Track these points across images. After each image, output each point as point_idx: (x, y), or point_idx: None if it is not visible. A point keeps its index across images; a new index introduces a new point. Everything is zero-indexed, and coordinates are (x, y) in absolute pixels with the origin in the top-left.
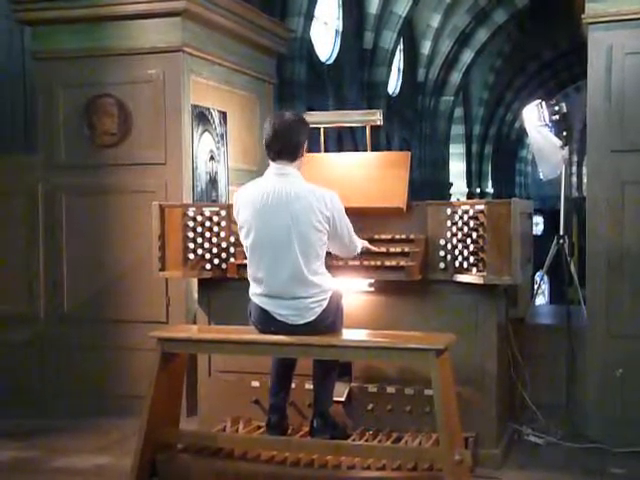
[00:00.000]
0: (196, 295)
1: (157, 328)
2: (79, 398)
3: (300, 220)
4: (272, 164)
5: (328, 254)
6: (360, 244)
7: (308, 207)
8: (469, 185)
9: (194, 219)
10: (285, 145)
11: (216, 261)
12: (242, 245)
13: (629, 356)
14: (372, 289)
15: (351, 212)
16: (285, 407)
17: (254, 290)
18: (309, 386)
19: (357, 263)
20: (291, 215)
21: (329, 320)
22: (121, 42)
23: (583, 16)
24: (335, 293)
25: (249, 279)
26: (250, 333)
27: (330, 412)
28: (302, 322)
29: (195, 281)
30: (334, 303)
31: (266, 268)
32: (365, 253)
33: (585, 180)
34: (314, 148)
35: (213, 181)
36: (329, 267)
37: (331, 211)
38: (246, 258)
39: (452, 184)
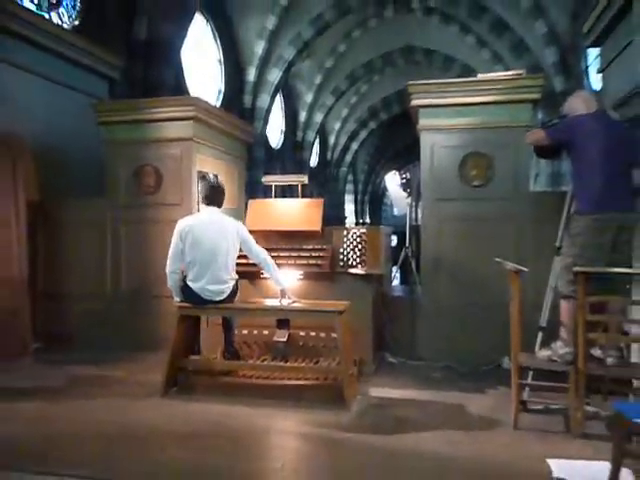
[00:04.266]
0: None
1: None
2: (130, 341)
3: (229, 240)
4: (207, 207)
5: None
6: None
7: (233, 232)
8: (356, 218)
9: None
10: (218, 200)
11: None
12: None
13: (445, 314)
14: (302, 277)
15: (289, 233)
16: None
17: (195, 283)
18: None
19: (293, 262)
20: (225, 237)
21: (232, 298)
22: (157, 134)
23: (418, 126)
24: (237, 281)
25: (190, 275)
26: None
27: (235, 344)
28: (220, 299)
29: None
30: (236, 287)
31: (208, 269)
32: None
33: (420, 215)
34: (268, 196)
35: None
36: (279, 263)
37: (241, 234)
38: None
39: (347, 217)
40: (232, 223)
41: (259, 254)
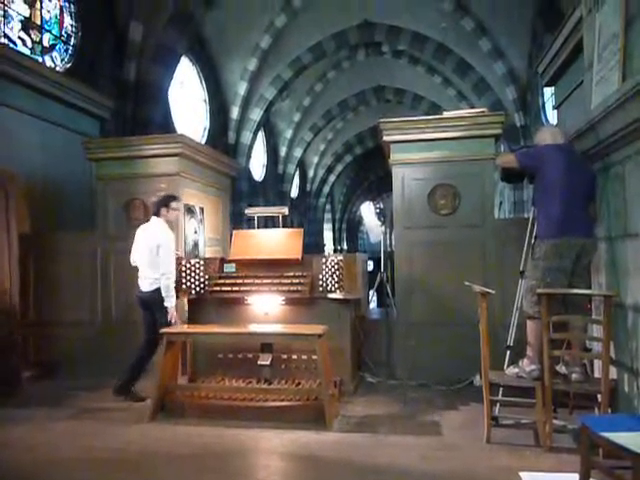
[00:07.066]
0: (186, 307)
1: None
2: (120, 368)
3: (151, 243)
4: (154, 217)
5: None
6: (172, 279)
7: (154, 240)
8: (334, 245)
9: (185, 266)
10: (154, 211)
11: (197, 289)
12: (212, 279)
13: (418, 334)
14: (284, 302)
15: (271, 261)
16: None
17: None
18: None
19: (275, 288)
20: (147, 241)
21: (159, 298)
22: (145, 170)
23: (389, 160)
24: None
25: None
26: (215, 328)
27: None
28: (145, 290)
29: (186, 300)
30: (159, 290)
31: (140, 263)
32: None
33: (393, 242)
34: (252, 227)
35: (196, 245)
36: (262, 290)
37: (158, 242)
38: (217, 286)
39: (325, 244)
40: (155, 234)
41: (161, 270)
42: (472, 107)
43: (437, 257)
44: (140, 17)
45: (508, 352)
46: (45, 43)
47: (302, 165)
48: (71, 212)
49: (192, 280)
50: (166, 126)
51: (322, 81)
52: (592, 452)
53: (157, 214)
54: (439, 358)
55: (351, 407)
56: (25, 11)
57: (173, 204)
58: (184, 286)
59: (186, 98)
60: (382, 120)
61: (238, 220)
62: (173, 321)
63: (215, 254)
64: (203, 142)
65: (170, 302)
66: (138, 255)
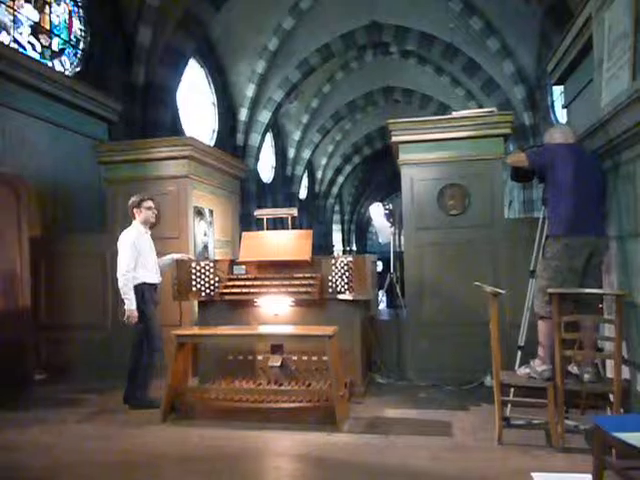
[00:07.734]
0: (196, 309)
1: (175, 329)
2: None
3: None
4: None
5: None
6: (123, 280)
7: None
8: (343, 246)
9: (195, 268)
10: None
11: (207, 291)
12: (222, 281)
13: (429, 335)
14: (294, 303)
15: (280, 263)
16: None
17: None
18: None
19: (285, 290)
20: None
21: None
22: (155, 173)
23: (398, 161)
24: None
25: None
26: (225, 330)
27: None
28: None
29: (196, 302)
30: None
31: None
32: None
33: (403, 242)
34: (261, 229)
35: (205, 247)
36: (272, 292)
37: (119, 244)
38: (227, 287)
39: (335, 245)
40: (121, 236)
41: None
42: (481, 107)
43: (447, 257)
44: (148, 20)
45: (519, 352)
46: (54, 47)
47: (310, 166)
48: (80, 215)
49: (202, 282)
50: (175, 129)
51: (330, 82)
52: (605, 452)
53: (133, 217)
54: (450, 359)
55: (361, 408)
56: (34, 16)
57: (145, 204)
58: (194, 288)
59: (194, 100)
60: (390, 121)
61: (247, 222)
62: (127, 323)
63: (224, 256)
64: (212, 144)
65: (127, 304)
66: None
